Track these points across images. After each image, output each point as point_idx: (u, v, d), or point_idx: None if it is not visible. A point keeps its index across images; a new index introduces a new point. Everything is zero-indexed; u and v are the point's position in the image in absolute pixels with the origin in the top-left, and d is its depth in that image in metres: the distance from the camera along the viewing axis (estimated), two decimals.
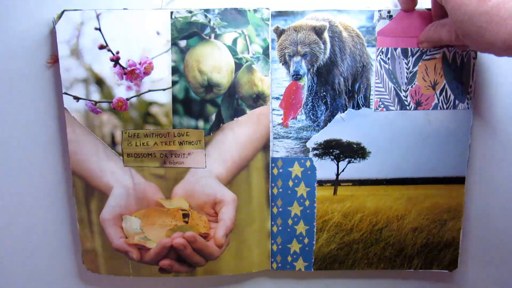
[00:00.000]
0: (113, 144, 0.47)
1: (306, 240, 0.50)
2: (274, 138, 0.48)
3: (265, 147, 0.48)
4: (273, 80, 0.47)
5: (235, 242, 0.49)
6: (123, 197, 0.48)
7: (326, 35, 0.46)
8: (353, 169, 0.49)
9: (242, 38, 0.45)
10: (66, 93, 0.46)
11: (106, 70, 0.46)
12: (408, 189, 0.50)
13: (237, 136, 0.47)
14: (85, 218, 0.49)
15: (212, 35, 0.45)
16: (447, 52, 0.46)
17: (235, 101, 0.47)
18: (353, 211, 0.50)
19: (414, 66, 0.47)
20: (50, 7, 0.45)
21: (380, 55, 0.46)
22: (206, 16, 0.45)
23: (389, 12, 0.45)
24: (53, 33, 0.46)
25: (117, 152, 0.47)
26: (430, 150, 0.48)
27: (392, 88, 0.47)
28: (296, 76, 0.47)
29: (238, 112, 0.47)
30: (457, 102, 0.47)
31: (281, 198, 0.50)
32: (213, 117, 0.47)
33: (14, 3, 0.46)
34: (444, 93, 0.47)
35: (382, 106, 0.48)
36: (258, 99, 0.47)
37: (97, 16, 0.44)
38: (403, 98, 0.47)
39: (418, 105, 0.47)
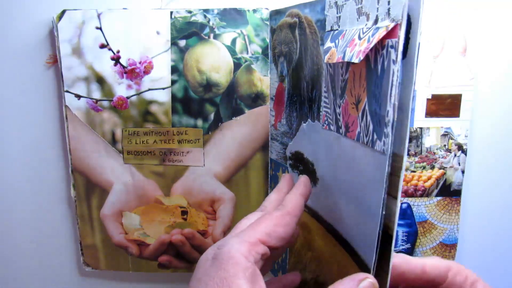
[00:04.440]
0: (113, 141, 0.48)
1: (283, 255, 0.45)
2: (271, 138, 0.48)
3: (264, 147, 0.48)
4: (272, 80, 0.47)
5: None
6: (123, 193, 0.48)
7: (297, 33, 0.38)
8: (312, 194, 0.33)
9: (241, 38, 0.46)
10: (67, 91, 0.47)
11: (106, 68, 0.46)
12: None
13: (236, 136, 0.48)
14: (86, 214, 0.50)
15: (211, 35, 0.46)
16: (369, 53, 0.26)
17: (233, 100, 0.47)
18: (306, 244, 0.38)
19: (346, 71, 0.29)
20: (50, 7, 0.46)
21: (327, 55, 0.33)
22: (205, 16, 0.45)
23: None
24: (52, 33, 0.46)
25: (118, 150, 0.48)
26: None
27: (332, 101, 0.32)
28: (281, 78, 0.43)
29: (236, 112, 0.47)
30: (375, 137, 0.26)
31: None
32: (212, 116, 0.47)
33: (14, 3, 0.46)
34: (365, 119, 0.27)
35: (326, 123, 0.33)
36: (257, 99, 0.47)
37: (98, 16, 0.45)
38: (338, 116, 0.31)
39: (346, 130, 0.30)
